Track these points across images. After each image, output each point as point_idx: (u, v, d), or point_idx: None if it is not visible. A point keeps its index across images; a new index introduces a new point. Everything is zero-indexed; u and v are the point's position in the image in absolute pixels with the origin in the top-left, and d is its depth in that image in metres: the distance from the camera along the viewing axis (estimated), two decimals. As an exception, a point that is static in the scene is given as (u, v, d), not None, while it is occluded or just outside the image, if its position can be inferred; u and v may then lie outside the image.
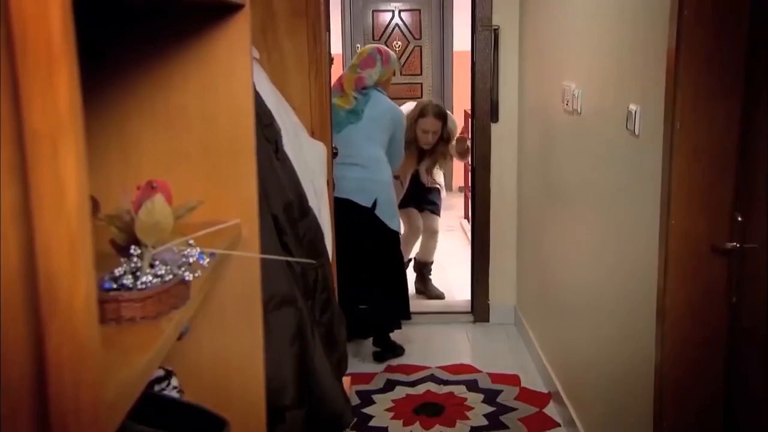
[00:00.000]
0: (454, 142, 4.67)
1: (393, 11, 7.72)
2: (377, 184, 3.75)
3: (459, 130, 4.95)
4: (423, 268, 4.91)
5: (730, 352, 2.02)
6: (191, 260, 0.94)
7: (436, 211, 4.88)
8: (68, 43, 0.45)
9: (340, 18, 7.38)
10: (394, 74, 4.02)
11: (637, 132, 2.26)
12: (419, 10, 7.70)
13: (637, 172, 2.29)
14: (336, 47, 6.16)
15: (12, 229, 0.47)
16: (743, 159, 1.92)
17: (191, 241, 0.97)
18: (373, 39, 7.73)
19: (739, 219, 1.93)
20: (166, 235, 0.90)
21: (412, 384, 3.63)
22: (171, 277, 0.89)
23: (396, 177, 4.18)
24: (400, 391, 3.57)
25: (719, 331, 2.03)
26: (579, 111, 2.92)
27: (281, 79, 1.98)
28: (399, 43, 7.72)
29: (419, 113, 4.39)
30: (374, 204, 3.72)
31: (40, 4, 0.44)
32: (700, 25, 1.90)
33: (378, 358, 3.95)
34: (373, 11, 7.72)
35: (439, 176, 4.92)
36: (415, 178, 4.74)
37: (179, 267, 0.91)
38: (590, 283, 2.86)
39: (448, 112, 4.65)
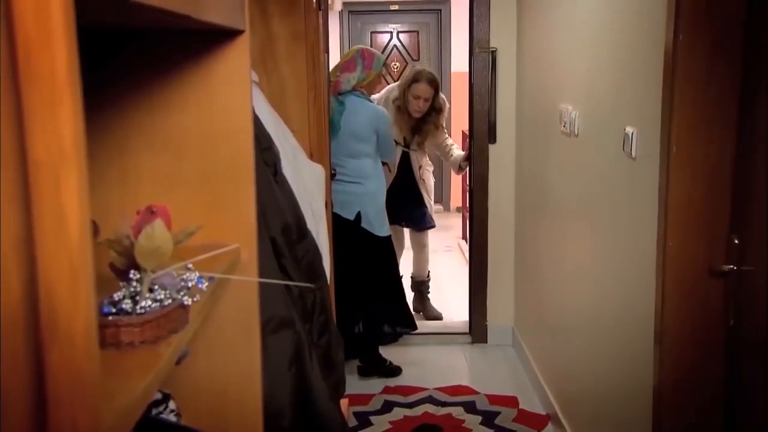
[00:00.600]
0: (453, 153, 4.56)
1: (391, 32, 7.77)
2: (361, 197, 3.80)
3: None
4: (420, 286, 4.86)
5: (728, 375, 2.02)
6: (190, 284, 0.94)
7: (423, 226, 4.71)
8: (72, 74, 0.46)
9: (339, 39, 7.43)
10: (382, 77, 4.12)
11: (633, 154, 2.28)
12: (417, 32, 7.75)
13: (634, 194, 2.30)
14: (334, 68, 6.17)
15: (14, 258, 0.47)
16: (739, 182, 1.93)
17: (190, 266, 0.98)
18: (372, 60, 7.77)
19: (736, 241, 1.94)
20: (166, 260, 0.90)
21: (410, 405, 3.62)
22: (170, 301, 0.89)
23: (384, 163, 4.12)
24: (397, 413, 3.55)
25: (717, 354, 2.03)
26: (576, 133, 2.94)
27: (280, 102, 2.00)
28: (397, 64, 7.77)
29: (413, 78, 4.27)
30: (358, 216, 3.77)
31: (44, 34, 0.44)
32: (695, 51, 1.92)
33: (362, 372, 3.94)
34: (371, 32, 7.78)
35: (428, 176, 4.67)
36: (403, 171, 4.46)
37: (178, 291, 0.91)
38: (588, 304, 2.86)
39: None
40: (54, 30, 0.44)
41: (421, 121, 4.35)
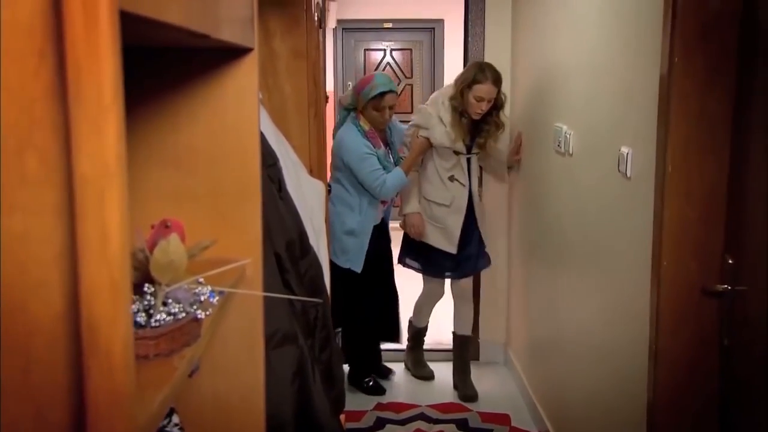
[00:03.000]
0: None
1: (384, 50, 7.83)
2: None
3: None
4: (463, 347, 4.11)
5: (723, 394, 2.03)
6: (202, 298, 0.95)
7: (476, 268, 4.00)
8: (117, 95, 0.48)
9: (332, 56, 7.47)
10: (382, 110, 3.67)
11: (628, 174, 2.30)
12: (410, 50, 7.81)
13: (629, 214, 2.33)
14: (328, 85, 6.22)
15: (56, 272, 0.48)
16: (733, 202, 1.96)
17: (201, 280, 0.99)
18: (365, 77, 7.82)
19: (730, 261, 1.97)
20: (180, 274, 0.91)
21: (402, 423, 3.62)
22: (184, 315, 0.90)
23: (451, 178, 3.71)
24: (390, 430, 3.55)
25: (711, 373, 2.05)
26: (570, 152, 2.97)
27: (281, 118, 2.02)
28: (390, 81, 7.80)
29: (473, 78, 3.61)
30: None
31: (94, 58, 0.46)
32: (690, 74, 1.96)
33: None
34: (365, 50, 7.83)
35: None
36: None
37: (191, 305, 0.92)
38: (582, 322, 2.88)
39: None
40: (103, 54, 0.46)
41: (480, 120, 3.74)
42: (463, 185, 3.78)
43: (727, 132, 1.96)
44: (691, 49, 1.95)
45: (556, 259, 3.27)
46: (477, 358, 4.39)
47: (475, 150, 3.81)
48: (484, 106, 3.63)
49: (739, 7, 1.91)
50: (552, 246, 3.32)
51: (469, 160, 3.81)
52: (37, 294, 0.48)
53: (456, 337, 4.08)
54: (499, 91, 3.66)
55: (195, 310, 0.92)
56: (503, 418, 3.65)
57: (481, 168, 4.09)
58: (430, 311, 4.14)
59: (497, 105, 3.71)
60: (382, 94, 3.62)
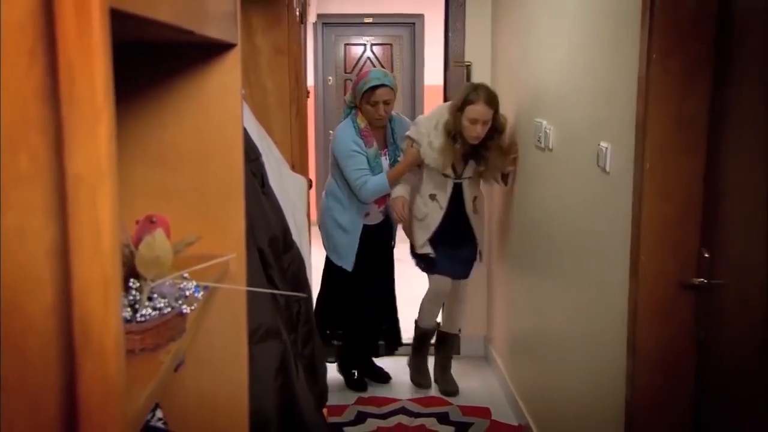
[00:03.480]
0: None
1: (365, 45, 7.83)
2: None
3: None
4: (445, 343, 4.07)
5: (698, 385, 2.07)
6: (187, 293, 0.96)
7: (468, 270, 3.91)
8: (109, 95, 0.48)
9: (313, 51, 7.46)
10: (369, 107, 3.62)
11: (607, 169, 2.33)
12: (391, 45, 7.81)
13: (608, 208, 2.35)
14: (308, 79, 6.22)
15: (47, 268, 0.49)
16: (710, 198, 2.00)
17: (186, 275, 0.99)
18: (345, 72, 7.82)
19: (706, 255, 2.00)
20: (166, 269, 0.92)
21: (384, 417, 3.64)
22: (169, 309, 0.91)
23: (432, 197, 3.61)
24: (371, 424, 3.57)
25: (687, 365, 2.09)
26: (550, 147, 3.00)
27: (263, 114, 2.02)
28: (371, 76, 7.80)
29: (465, 99, 3.43)
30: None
31: (86, 58, 0.47)
32: (669, 72, 1.99)
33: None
34: (345, 44, 7.82)
35: (482, 206, 3.88)
36: (453, 207, 3.67)
37: (176, 300, 0.93)
38: (561, 316, 2.91)
39: None
40: (95, 54, 0.46)
41: (480, 145, 3.52)
42: (441, 208, 3.64)
43: (703, 130, 1.99)
44: (669, 49, 1.98)
45: (536, 253, 3.29)
46: (458, 353, 4.42)
47: (468, 175, 3.62)
48: (479, 129, 3.41)
49: (715, 9, 1.94)
50: (532, 240, 3.35)
51: (460, 185, 3.63)
52: (31, 291, 0.49)
53: (440, 333, 4.04)
54: (496, 113, 3.46)
55: (180, 305, 0.93)
56: (484, 412, 3.68)
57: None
58: (437, 312, 3.98)
59: (497, 128, 3.48)
60: (374, 88, 3.57)
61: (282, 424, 1.40)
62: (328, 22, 7.62)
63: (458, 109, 3.44)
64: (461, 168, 3.61)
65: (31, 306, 0.49)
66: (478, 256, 3.86)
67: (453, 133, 3.45)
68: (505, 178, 3.66)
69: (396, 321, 4.07)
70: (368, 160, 3.63)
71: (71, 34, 0.46)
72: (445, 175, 3.59)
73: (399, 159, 3.69)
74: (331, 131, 7.56)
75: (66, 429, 0.50)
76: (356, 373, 4.00)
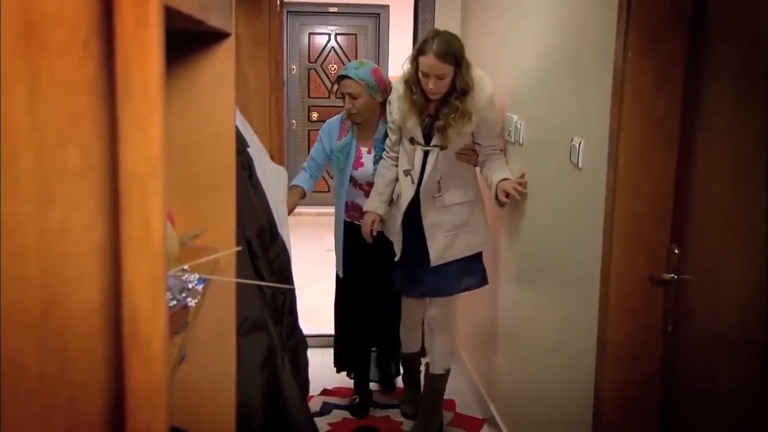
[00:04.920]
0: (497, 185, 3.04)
1: (329, 34, 7.79)
2: None
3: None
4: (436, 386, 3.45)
5: (666, 379, 2.12)
6: (190, 286, 0.95)
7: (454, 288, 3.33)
8: (161, 89, 0.48)
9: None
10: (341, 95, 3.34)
11: (580, 165, 2.36)
12: (355, 35, 7.79)
13: (580, 204, 2.38)
14: (274, 68, 6.13)
15: (95, 266, 0.48)
16: (680, 194, 2.04)
17: (186, 268, 0.99)
18: (309, 61, 7.77)
19: (676, 251, 2.05)
20: (172, 262, 0.91)
21: (349, 408, 3.64)
22: (174, 302, 0.90)
23: (406, 172, 3.14)
24: (337, 415, 3.57)
25: (656, 358, 2.13)
26: (521, 142, 3.01)
27: (243, 105, 2.00)
28: (335, 66, 7.78)
29: (417, 50, 2.97)
30: None
31: (143, 52, 0.46)
32: (644, 70, 2.02)
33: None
34: (309, 33, 7.77)
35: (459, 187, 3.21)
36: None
37: (180, 292, 0.92)
38: (530, 310, 2.94)
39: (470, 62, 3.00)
40: (151, 48, 0.46)
41: (442, 104, 3.03)
42: (413, 182, 3.11)
43: (675, 129, 2.04)
44: (644, 49, 2.01)
45: (505, 247, 3.32)
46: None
47: (435, 142, 3.05)
48: (431, 84, 2.89)
49: (689, 10, 1.99)
50: (502, 235, 3.37)
51: (427, 153, 3.07)
52: (76, 286, 0.48)
53: (427, 374, 3.46)
54: (459, 68, 2.92)
55: (185, 297, 0.92)
56: (448, 404, 3.70)
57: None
58: (412, 335, 3.58)
59: (457, 87, 2.94)
60: (339, 79, 3.27)
61: (268, 415, 1.40)
62: (292, 10, 7.56)
63: (413, 59, 2.99)
64: (425, 128, 3.09)
65: (77, 302, 0.49)
66: (479, 277, 3.28)
67: (410, 83, 3.00)
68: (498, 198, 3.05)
69: (394, 330, 3.61)
70: (329, 152, 3.39)
71: (129, 28, 0.45)
72: (415, 142, 3.09)
73: (383, 156, 3.30)
74: (294, 121, 7.58)
75: (110, 425, 0.49)
76: (355, 400, 3.74)
